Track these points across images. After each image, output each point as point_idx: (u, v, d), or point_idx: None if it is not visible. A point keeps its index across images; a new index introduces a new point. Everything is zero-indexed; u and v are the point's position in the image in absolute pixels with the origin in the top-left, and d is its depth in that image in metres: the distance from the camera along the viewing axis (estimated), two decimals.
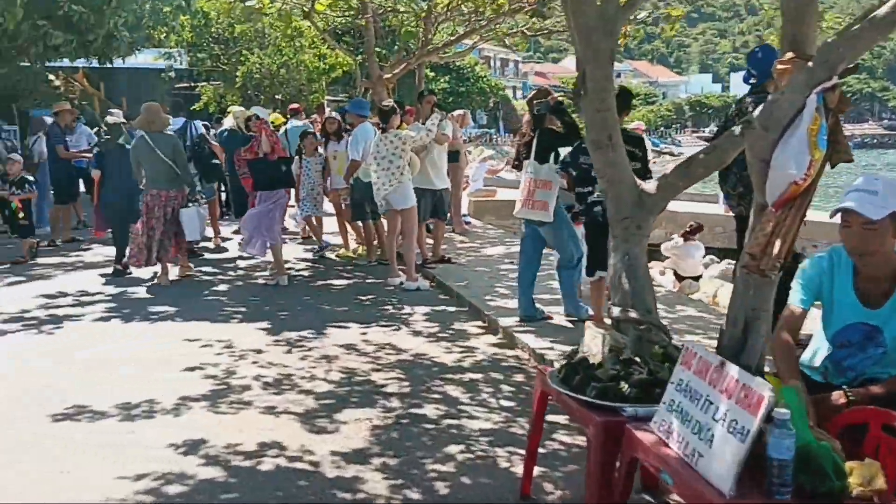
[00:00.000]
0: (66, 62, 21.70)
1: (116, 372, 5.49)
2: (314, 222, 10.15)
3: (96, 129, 11.42)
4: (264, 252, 8.32)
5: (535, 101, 6.29)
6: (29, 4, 14.60)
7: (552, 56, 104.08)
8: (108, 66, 28.15)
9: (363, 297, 7.72)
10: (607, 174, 3.61)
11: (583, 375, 2.97)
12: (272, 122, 10.67)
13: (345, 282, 8.56)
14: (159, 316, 7.05)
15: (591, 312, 6.08)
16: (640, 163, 5.30)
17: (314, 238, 10.32)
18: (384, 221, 8.79)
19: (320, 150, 9.77)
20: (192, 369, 5.48)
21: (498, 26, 12.10)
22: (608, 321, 4.19)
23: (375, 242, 9.40)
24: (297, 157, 9.68)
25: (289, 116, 12.57)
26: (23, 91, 33.59)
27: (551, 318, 6.42)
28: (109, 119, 9.30)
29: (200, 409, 4.72)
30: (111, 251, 9.05)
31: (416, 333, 6.45)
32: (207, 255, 10.05)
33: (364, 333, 6.41)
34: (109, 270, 8.78)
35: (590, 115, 3.57)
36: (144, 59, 26.75)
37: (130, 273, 8.64)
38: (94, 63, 19.45)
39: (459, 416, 4.55)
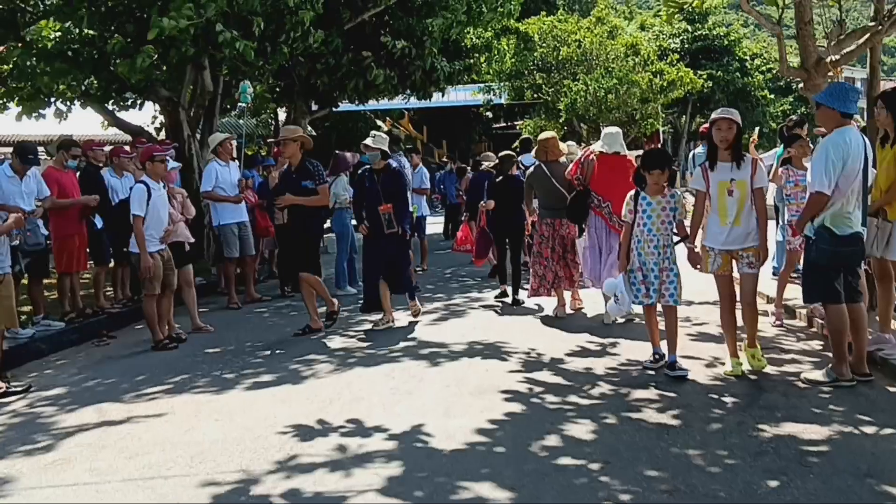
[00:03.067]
0: (386, 102, 21.10)
1: None
2: None
3: None
4: None
5: None
6: (349, 36, 13.42)
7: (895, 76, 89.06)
8: (427, 104, 28.08)
9: None
10: None
11: None
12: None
13: None
14: None
15: None
16: None
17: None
18: None
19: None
20: None
21: None
22: None
23: None
24: None
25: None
26: (355, 138, 35.44)
27: None
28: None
29: None
30: None
31: None
32: None
33: None
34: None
35: None
36: (464, 96, 25.74)
37: (523, 303, 8.24)
38: (413, 101, 18.16)
39: None
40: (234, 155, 9.52)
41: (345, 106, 18.87)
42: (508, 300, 8.30)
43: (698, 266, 5.27)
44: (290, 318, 8.17)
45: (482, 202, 9.06)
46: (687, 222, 5.42)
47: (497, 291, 8.65)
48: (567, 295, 7.63)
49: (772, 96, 41.01)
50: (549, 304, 7.79)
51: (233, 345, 6.89)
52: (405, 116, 36.91)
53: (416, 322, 7.52)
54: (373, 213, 7.25)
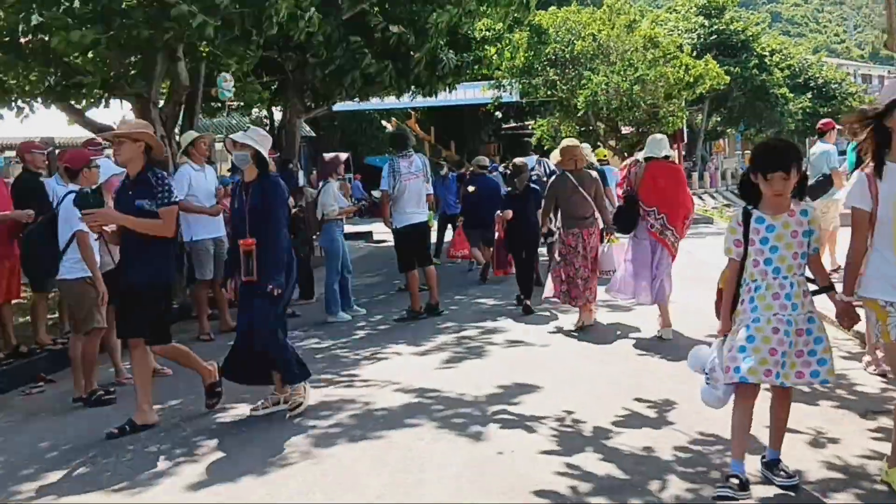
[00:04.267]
0: (393, 102, 19.71)
1: None
2: None
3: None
4: None
5: None
6: (347, 28, 12.05)
7: None
8: (434, 103, 26.63)
9: None
10: None
11: None
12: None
13: None
14: None
15: None
16: None
17: None
18: None
19: None
20: None
21: None
22: None
23: None
24: None
25: None
26: (360, 139, 34.11)
27: None
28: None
29: None
30: None
31: None
32: None
33: None
34: None
35: None
36: (472, 94, 24.36)
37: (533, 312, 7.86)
38: (419, 99, 16.73)
39: None
40: (211, 156, 8.15)
41: (344, 105, 17.53)
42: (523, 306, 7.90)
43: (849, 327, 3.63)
44: None
45: (499, 212, 8.66)
46: (827, 257, 3.75)
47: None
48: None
49: (791, 94, 39.49)
50: (563, 316, 7.03)
51: (187, 400, 5.48)
52: (411, 117, 35.65)
53: (426, 360, 6.13)
54: (235, 247, 5.07)
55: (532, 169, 9.22)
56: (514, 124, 33.89)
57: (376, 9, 12.48)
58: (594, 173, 7.40)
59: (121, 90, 9.96)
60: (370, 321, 8.07)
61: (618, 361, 5.85)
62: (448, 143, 36.43)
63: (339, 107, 19.09)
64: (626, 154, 20.73)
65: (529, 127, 24.20)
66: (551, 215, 7.27)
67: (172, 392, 5.66)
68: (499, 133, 35.37)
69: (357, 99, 15.59)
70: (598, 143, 22.49)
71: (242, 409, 5.12)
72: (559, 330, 7.11)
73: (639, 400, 4.82)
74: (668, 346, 6.11)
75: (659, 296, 6.44)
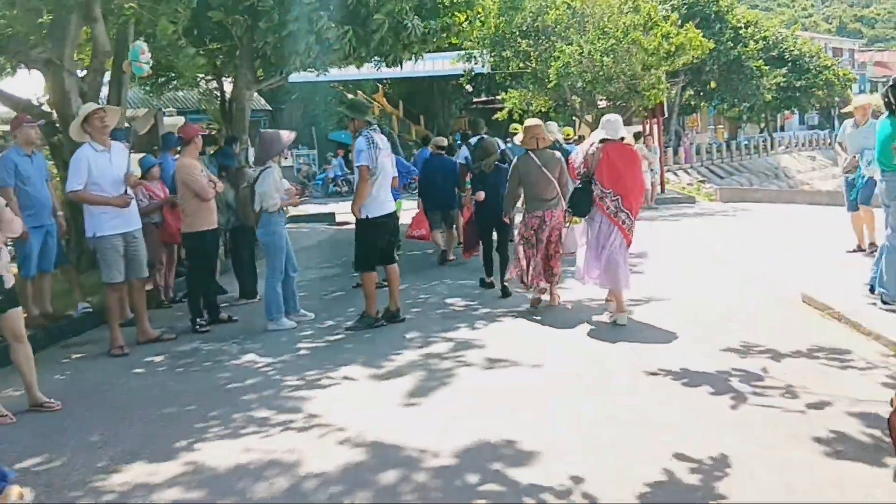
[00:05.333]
0: (355, 73, 18.28)
1: None
2: None
3: None
4: None
5: None
6: None
7: (877, 46, 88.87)
8: (401, 74, 25.16)
9: None
10: None
11: None
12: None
13: None
14: None
15: None
16: None
17: None
18: None
19: None
20: None
21: None
22: None
23: None
24: None
25: None
26: (323, 114, 32.54)
27: None
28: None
29: None
30: None
31: None
32: None
33: None
34: None
35: None
36: (442, 65, 23.00)
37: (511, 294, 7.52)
38: (383, 68, 15.34)
39: None
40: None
41: (301, 76, 16.08)
42: (497, 292, 7.66)
43: None
44: (191, 380, 5.54)
45: (469, 193, 8.47)
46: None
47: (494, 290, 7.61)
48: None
49: (766, 67, 38.67)
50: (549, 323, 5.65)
51: (63, 452, 4.22)
52: (379, 90, 34.10)
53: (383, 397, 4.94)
54: None
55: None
56: (485, 98, 32.55)
57: None
58: (558, 154, 7.17)
59: (25, 55, 8.52)
60: (319, 328, 6.85)
61: (631, 388, 4.67)
62: (417, 117, 35.03)
63: (295, 78, 17.60)
64: None
65: (501, 99, 22.85)
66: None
67: (41, 443, 4.40)
68: (470, 107, 34.02)
69: (315, 69, 14.20)
70: (574, 118, 21.35)
71: None
72: (549, 341, 5.96)
73: (654, 456, 3.67)
74: (687, 367, 4.99)
75: (613, 281, 6.31)
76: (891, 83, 6.03)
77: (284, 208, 6.80)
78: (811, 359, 5.05)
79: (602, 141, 6.34)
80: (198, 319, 6.96)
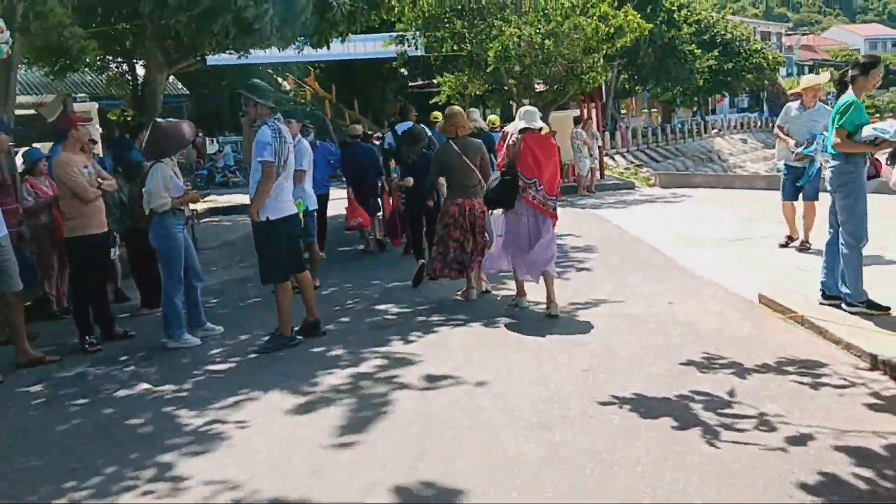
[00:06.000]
0: (280, 55, 17.20)
1: None
2: None
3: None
4: None
5: None
6: None
7: (801, 31, 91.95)
8: (330, 56, 24.03)
9: None
10: None
11: None
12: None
13: None
14: None
15: None
16: None
17: None
18: None
19: None
20: None
21: None
22: None
23: None
24: None
25: None
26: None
27: None
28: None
29: None
30: None
31: None
32: None
33: None
34: None
35: None
36: (373, 47, 22.05)
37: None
38: (308, 50, 14.33)
39: None
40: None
41: (221, 58, 14.98)
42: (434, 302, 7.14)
43: None
44: (69, 418, 4.67)
45: (397, 179, 8.54)
46: None
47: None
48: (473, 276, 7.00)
49: (699, 51, 38.96)
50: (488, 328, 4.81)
51: None
52: (311, 74, 32.85)
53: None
54: None
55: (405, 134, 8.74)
56: (420, 82, 31.68)
57: None
58: (478, 141, 7.05)
59: None
60: (229, 345, 6.01)
61: (582, 422, 4.02)
62: (351, 102, 33.94)
63: (214, 60, 16.51)
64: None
65: (437, 84, 22.07)
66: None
67: None
68: (405, 91, 33.12)
69: (233, 51, 13.16)
70: (511, 102, 20.72)
71: None
72: (490, 353, 5.30)
73: None
74: (644, 394, 4.37)
75: (548, 271, 6.21)
76: (857, 62, 5.57)
77: (183, 208, 5.91)
78: (780, 374, 4.51)
79: (522, 131, 6.28)
80: (87, 337, 6.05)
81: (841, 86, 5.60)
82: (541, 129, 6.43)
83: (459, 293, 7.03)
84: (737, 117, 51.71)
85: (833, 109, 5.56)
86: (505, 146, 6.41)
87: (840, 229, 5.50)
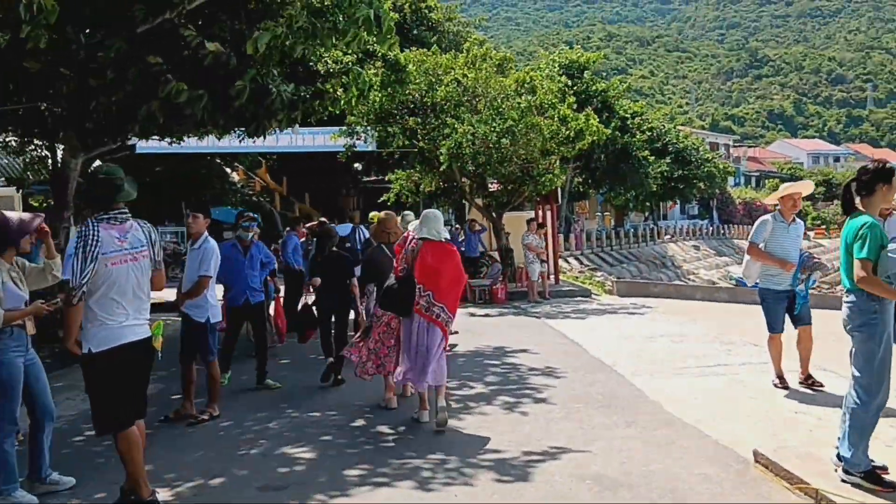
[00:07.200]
0: (225, 144, 16.16)
1: None
2: None
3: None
4: None
5: None
6: (145, 45, 8.80)
7: (747, 143, 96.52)
8: (278, 148, 23.16)
9: None
10: None
11: None
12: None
13: None
14: None
15: None
16: None
17: None
18: None
19: None
20: None
21: None
22: None
23: None
24: None
25: None
26: (197, 189, 29.81)
27: None
28: None
29: None
30: None
31: None
32: None
33: None
34: None
35: None
36: (322, 140, 21.25)
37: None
38: (248, 142, 13.28)
39: None
40: None
41: (148, 145, 13.85)
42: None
43: None
44: None
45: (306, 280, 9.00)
46: None
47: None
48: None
49: (652, 157, 39.46)
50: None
51: None
52: (262, 165, 31.95)
53: None
54: None
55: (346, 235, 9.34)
56: (374, 177, 30.99)
57: (186, 22, 9.21)
58: (411, 246, 6.84)
59: None
60: None
61: None
62: (302, 195, 33.02)
63: (144, 148, 15.38)
64: (493, 214, 18.21)
65: (388, 180, 21.26)
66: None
67: None
68: (358, 185, 32.42)
69: (160, 138, 12.05)
70: (464, 202, 19.97)
71: None
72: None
73: None
74: None
75: (437, 377, 6.06)
76: (858, 177, 4.61)
77: (24, 325, 4.57)
78: None
79: (423, 239, 6.24)
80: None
81: (845, 200, 4.63)
82: (446, 239, 6.41)
83: (382, 401, 6.86)
84: (688, 224, 52.36)
85: (842, 233, 4.56)
86: (403, 251, 6.35)
87: (851, 380, 4.43)
